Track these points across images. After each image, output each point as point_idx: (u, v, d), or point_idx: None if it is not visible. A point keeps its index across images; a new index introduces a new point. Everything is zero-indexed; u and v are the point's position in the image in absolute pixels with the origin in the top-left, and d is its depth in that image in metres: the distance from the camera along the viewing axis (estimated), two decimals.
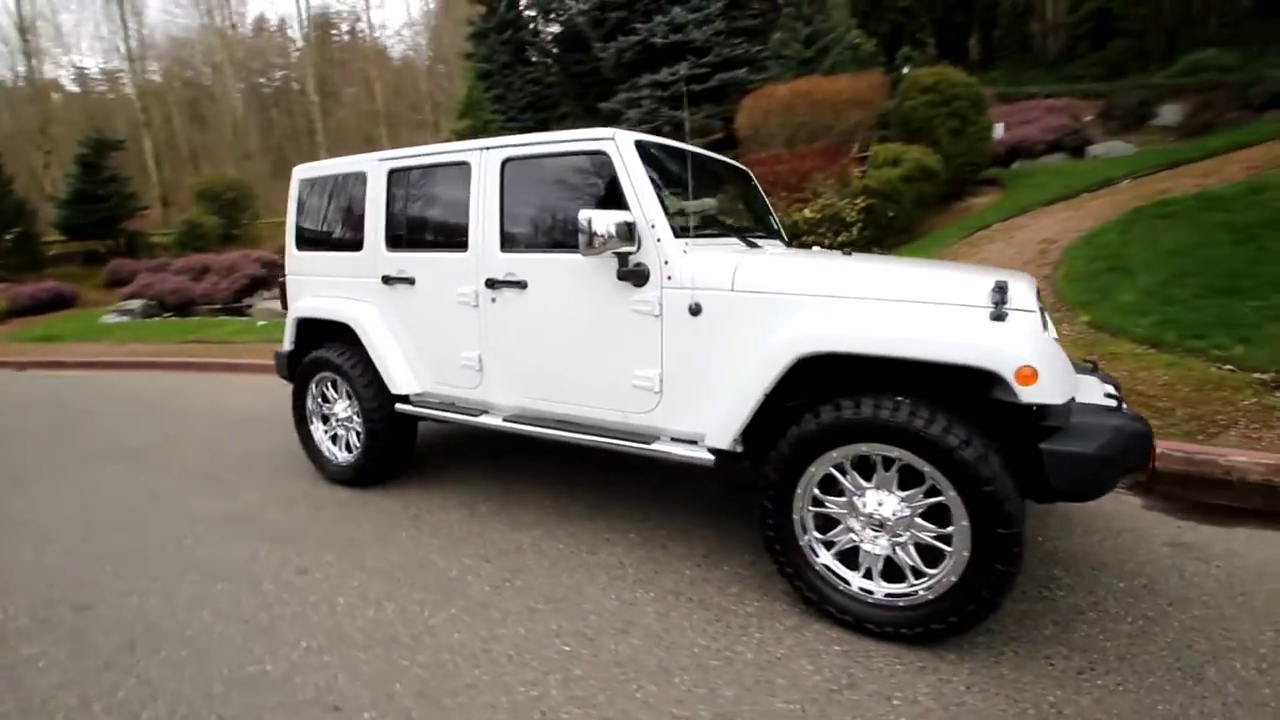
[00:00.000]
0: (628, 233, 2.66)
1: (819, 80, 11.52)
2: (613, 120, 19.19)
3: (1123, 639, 2.28)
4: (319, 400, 4.01)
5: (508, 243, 3.15)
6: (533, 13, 21.85)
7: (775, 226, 3.95)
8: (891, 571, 2.32)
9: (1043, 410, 2.16)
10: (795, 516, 2.40)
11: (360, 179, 3.72)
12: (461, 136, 16.86)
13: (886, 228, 9.62)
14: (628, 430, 2.94)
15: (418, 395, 3.60)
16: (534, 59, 21.67)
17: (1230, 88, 12.32)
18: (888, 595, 2.30)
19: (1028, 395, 2.02)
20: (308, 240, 4.06)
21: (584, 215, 2.62)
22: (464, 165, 3.29)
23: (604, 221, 2.60)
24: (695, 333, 2.69)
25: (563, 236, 3.03)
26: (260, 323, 10.99)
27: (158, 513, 3.60)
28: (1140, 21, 15.29)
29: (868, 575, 2.35)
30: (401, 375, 3.58)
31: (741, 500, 3.47)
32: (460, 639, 2.36)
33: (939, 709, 1.97)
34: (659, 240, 2.72)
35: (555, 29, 22.53)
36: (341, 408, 3.89)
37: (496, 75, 20.61)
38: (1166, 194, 8.36)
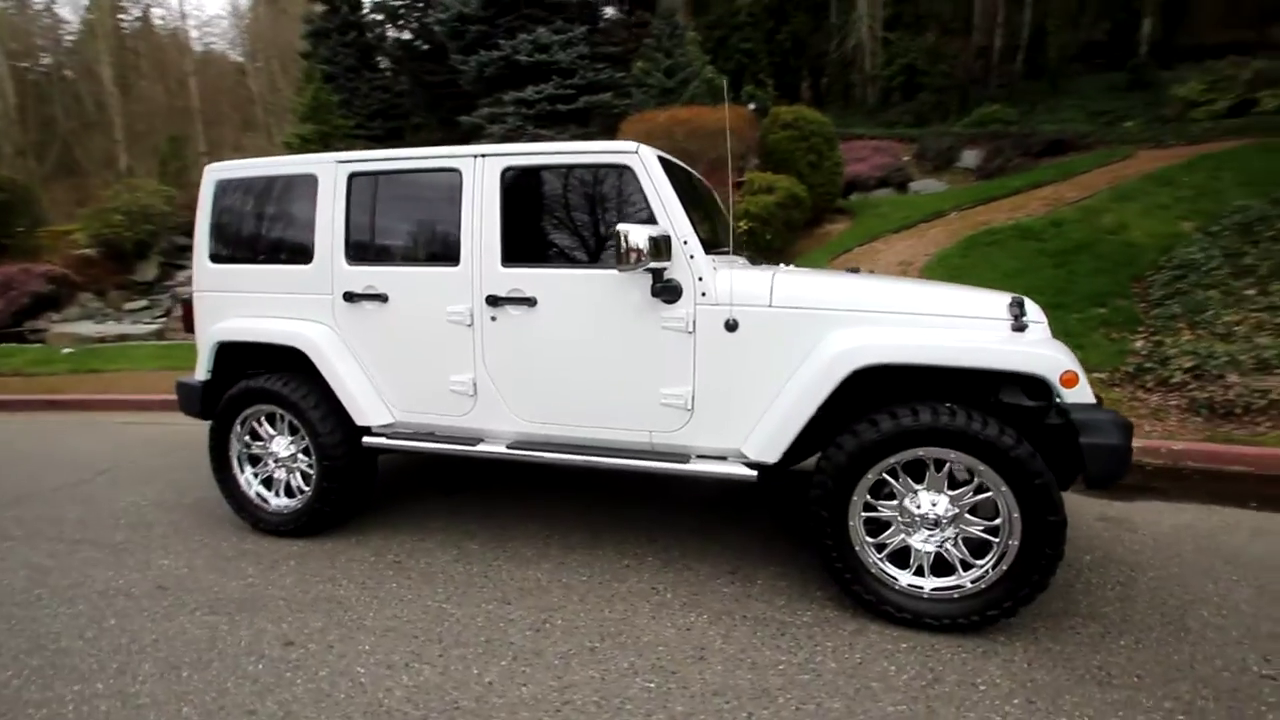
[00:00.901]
0: (664, 248, 2.61)
1: (696, 109, 12.10)
2: (473, 134, 18.66)
3: (1115, 603, 2.64)
4: (246, 439, 3.42)
5: (511, 257, 2.94)
6: (380, 17, 20.67)
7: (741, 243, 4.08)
8: (936, 566, 2.49)
9: (1046, 409, 2.45)
10: (851, 523, 2.49)
11: (307, 183, 3.27)
12: (306, 141, 15.39)
13: (765, 249, 10.31)
14: (652, 450, 2.87)
15: (385, 426, 3.21)
16: (382, 65, 20.46)
17: (1014, 137, 14.83)
18: (936, 589, 2.46)
19: (1070, 396, 2.30)
20: (229, 252, 3.47)
21: (622, 229, 2.53)
22: (452, 173, 3.02)
23: (641, 236, 2.53)
24: (731, 349, 2.70)
25: (577, 251, 2.90)
26: (66, 350, 9.14)
27: (51, 592, 2.83)
28: (940, 78, 17.96)
29: (918, 572, 2.49)
30: (370, 404, 3.18)
31: (734, 511, 3.52)
32: (532, 693, 2.13)
33: (1018, 686, 2.14)
34: (692, 257, 2.71)
35: (404, 36, 21.49)
36: (282, 446, 3.35)
37: (341, 79, 19.14)
38: (989, 225, 9.86)
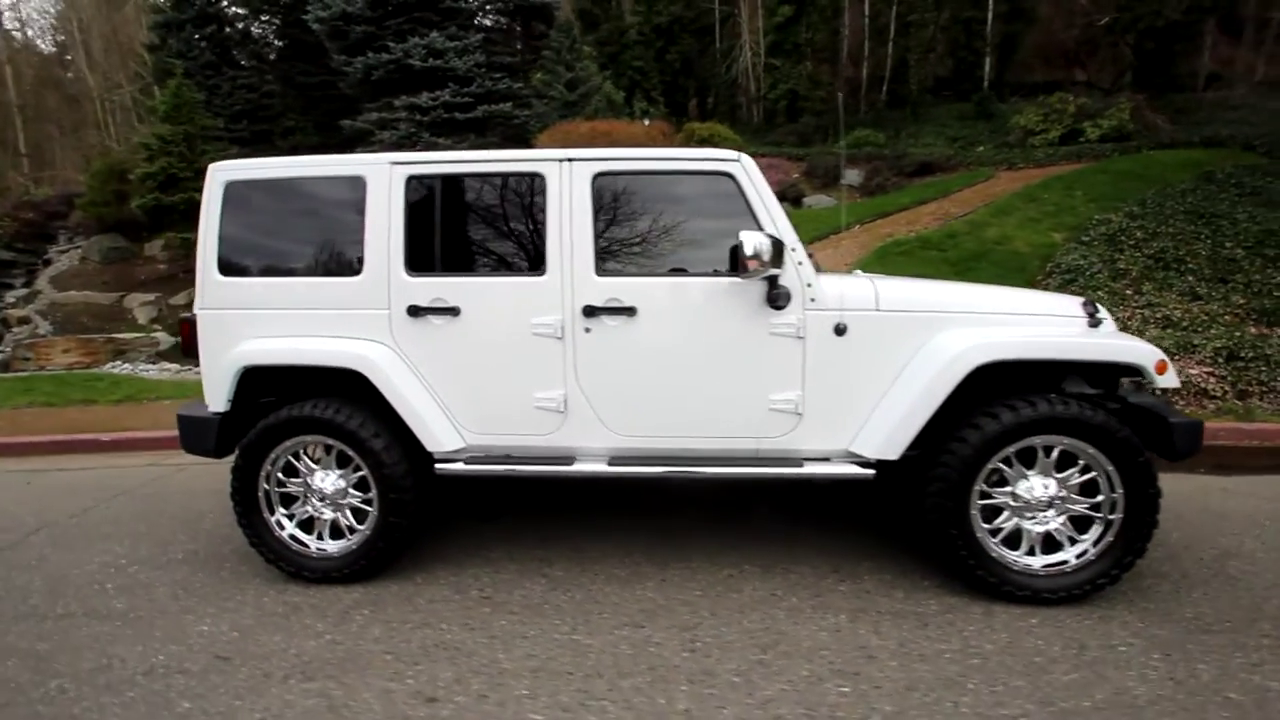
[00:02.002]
0: (779, 255, 2.64)
1: (612, 123, 12.25)
2: (359, 140, 17.53)
3: (1166, 562, 3.00)
4: (279, 476, 2.99)
5: (607, 265, 2.82)
6: (243, 11, 18.87)
7: None
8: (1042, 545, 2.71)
9: (1106, 397, 2.78)
10: (972, 511, 2.65)
11: (351, 186, 2.94)
12: (168, 143, 13.65)
13: None
14: (758, 456, 2.87)
15: (457, 451, 2.94)
16: (246, 62, 18.65)
17: (889, 159, 16.38)
18: (1047, 566, 2.67)
19: (1161, 382, 2.60)
20: (246, 264, 3.02)
21: (746, 237, 2.55)
22: (534, 177, 2.86)
23: (765, 243, 2.55)
24: (840, 352, 2.77)
25: (678, 258, 2.86)
26: None
27: (75, 680, 2.28)
28: (819, 103, 19.45)
29: (1029, 552, 2.69)
30: (442, 429, 2.90)
31: (796, 511, 3.60)
32: (736, 714, 2.05)
33: (1148, 643, 2.37)
34: (800, 263, 2.76)
35: (270, 33, 19.76)
36: (329, 481, 2.96)
37: (198, 75, 17.21)
38: (894, 236, 10.80)
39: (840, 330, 2.76)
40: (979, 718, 2.02)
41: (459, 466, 2.92)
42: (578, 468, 2.88)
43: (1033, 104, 16.79)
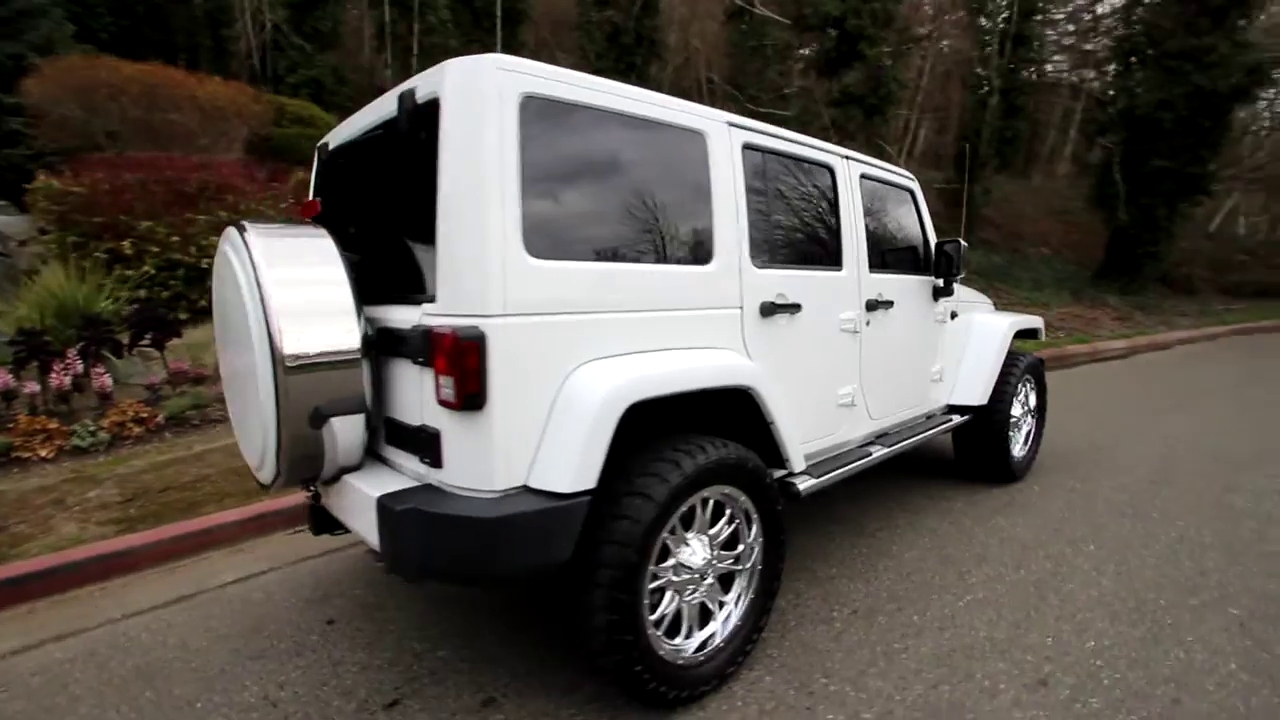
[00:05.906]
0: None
1: (162, 69, 8.82)
2: None
3: None
4: (652, 569, 1.96)
5: (873, 262, 2.98)
6: None
7: None
8: None
9: None
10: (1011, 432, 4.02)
11: (688, 142, 2.19)
12: None
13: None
14: (919, 420, 3.55)
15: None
16: None
17: None
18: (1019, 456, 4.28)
19: (1042, 335, 4.50)
20: (570, 239, 1.84)
21: (964, 244, 3.28)
22: (825, 169, 2.77)
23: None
24: (951, 332, 3.73)
25: (903, 258, 3.26)
26: None
27: None
28: (347, 100, 17.98)
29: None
30: (797, 446, 2.50)
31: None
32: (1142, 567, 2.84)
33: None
34: None
35: None
36: (703, 550, 2.12)
37: None
38: None
39: (954, 315, 3.71)
40: (1063, 554, 3.40)
41: (811, 482, 2.56)
42: (875, 456, 2.94)
43: None
